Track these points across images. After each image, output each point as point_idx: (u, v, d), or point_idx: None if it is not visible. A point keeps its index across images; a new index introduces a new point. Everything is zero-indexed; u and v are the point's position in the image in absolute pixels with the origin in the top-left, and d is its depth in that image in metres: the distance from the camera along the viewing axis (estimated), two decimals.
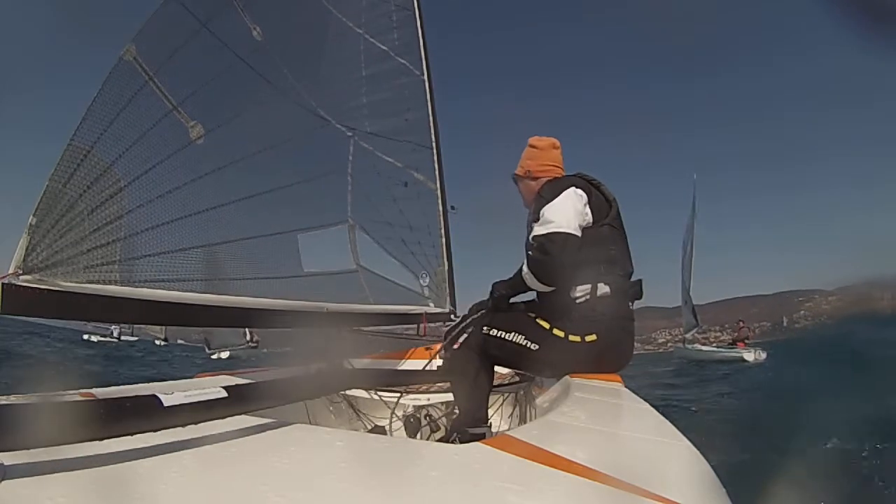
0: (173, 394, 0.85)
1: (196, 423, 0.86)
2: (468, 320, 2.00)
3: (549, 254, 1.73)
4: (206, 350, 15.36)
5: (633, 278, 1.91)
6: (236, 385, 1.04)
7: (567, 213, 1.76)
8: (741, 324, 21.24)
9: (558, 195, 1.80)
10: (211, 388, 0.93)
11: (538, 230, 1.77)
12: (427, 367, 2.33)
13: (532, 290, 1.88)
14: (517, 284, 1.91)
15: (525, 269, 1.83)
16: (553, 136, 2.15)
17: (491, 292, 2.02)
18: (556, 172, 2.05)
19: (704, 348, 20.58)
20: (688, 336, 22.54)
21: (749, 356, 16.99)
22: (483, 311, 2.04)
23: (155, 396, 0.83)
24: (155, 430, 0.80)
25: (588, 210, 1.83)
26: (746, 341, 19.61)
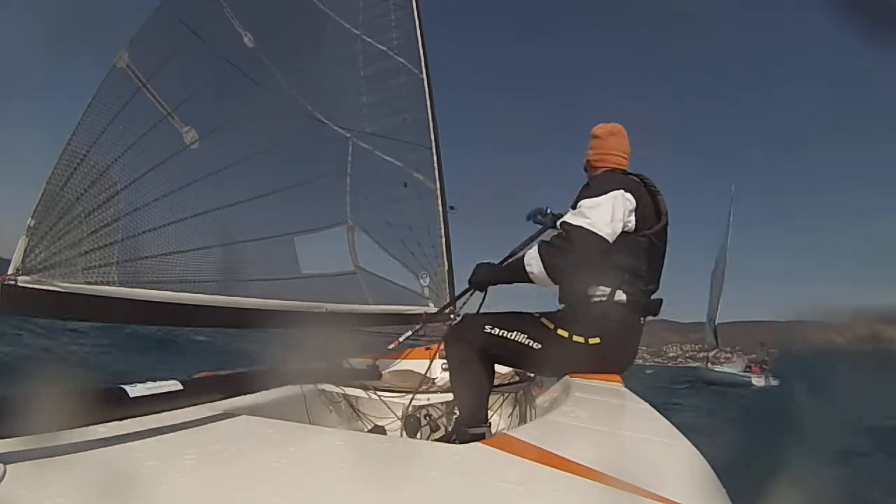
0: (136, 386, 0.95)
1: (159, 413, 0.94)
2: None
3: (573, 244, 1.61)
4: None
5: (655, 296, 1.83)
6: (192, 379, 1.17)
7: (606, 213, 1.63)
8: (763, 347, 19.84)
9: (606, 192, 1.67)
10: (169, 382, 1.04)
11: (571, 218, 1.66)
12: (429, 368, 2.33)
13: (527, 281, 1.73)
14: (510, 272, 1.81)
15: (533, 252, 1.69)
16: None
17: (472, 274, 1.93)
18: (615, 161, 1.92)
19: (718, 369, 19.66)
20: (710, 356, 21.90)
21: (758, 381, 16.38)
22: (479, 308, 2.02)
23: (122, 388, 0.92)
24: (123, 419, 0.88)
25: (633, 218, 1.71)
26: (764, 366, 18.18)
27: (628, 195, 1.71)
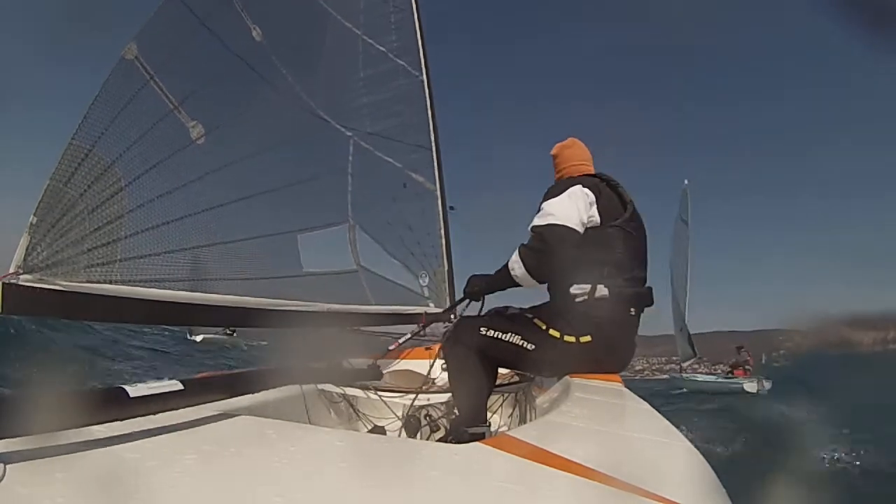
0: (137, 386, 0.95)
1: (157, 413, 0.94)
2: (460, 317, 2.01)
3: (546, 242, 1.71)
4: (189, 336, 16.74)
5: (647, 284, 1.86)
6: (193, 380, 1.17)
7: (567, 208, 1.73)
8: (741, 350, 18.55)
9: (563, 192, 1.78)
10: (170, 382, 1.05)
11: (537, 221, 1.76)
12: (430, 369, 2.33)
13: (516, 285, 1.83)
14: (500, 279, 1.87)
15: (515, 257, 1.78)
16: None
17: (466, 285, 2.02)
18: (578, 170, 2.00)
19: (700, 378, 18.29)
20: (684, 365, 19.99)
21: (751, 387, 15.44)
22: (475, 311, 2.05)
23: (122, 389, 0.92)
24: (124, 419, 0.88)
25: (595, 210, 1.78)
26: (747, 368, 17.35)
27: (585, 189, 1.79)
